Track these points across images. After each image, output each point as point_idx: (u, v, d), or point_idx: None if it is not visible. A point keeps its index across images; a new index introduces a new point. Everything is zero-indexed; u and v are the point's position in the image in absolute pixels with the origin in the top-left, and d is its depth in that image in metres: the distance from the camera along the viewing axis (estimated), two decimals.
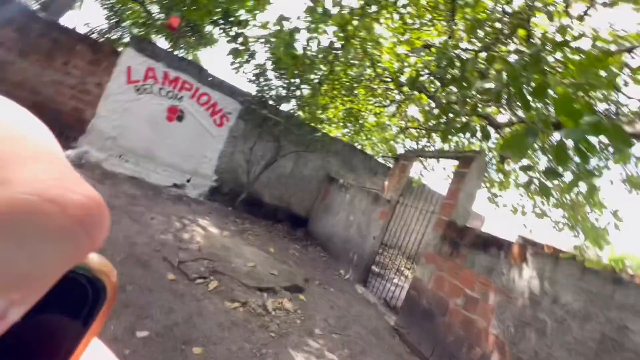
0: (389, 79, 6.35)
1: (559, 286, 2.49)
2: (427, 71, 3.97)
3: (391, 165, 8.64)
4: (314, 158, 7.30)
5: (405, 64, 5.68)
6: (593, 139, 1.36)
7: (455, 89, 2.98)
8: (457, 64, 2.12)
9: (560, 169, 1.57)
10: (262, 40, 5.12)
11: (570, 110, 1.41)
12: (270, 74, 5.95)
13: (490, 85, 1.52)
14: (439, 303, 3.43)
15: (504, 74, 1.56)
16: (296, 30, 3.47)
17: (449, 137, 2.54)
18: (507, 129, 5.70)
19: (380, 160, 8.96)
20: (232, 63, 5.37)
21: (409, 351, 3.40)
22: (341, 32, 4.69)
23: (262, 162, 6.53)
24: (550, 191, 1.45)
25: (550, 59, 2.81)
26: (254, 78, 5.94)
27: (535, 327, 2.52)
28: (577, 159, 1.79)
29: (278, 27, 3.66)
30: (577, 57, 2.96)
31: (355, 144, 9.54)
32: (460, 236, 3.54)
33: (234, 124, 6.43)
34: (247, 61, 5.55)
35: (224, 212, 5.99)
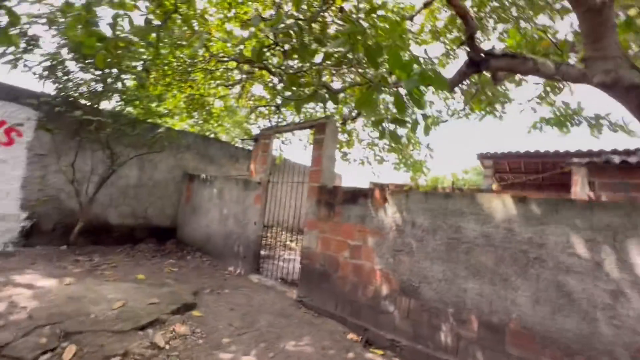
0: (226, 59, 5.99)
1: (413, 213, 3.07)
2: (268, 43, 3.89)
3: (251, 148, 8.51)
4: (163, 158, 6.33)
5: (239, 40, 5.45)
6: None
7: (296, 60, 3.06)
8: (296, 30, 2.13)
9: (402, 117, 1.83)
10: (45, 19, 3.83)
11: (401, 65, 1.63)
12: (73, 64, 4.60)
13: (335, 49, 1.58)
14: (330, 262, 3.71)
15: (343, 38, 1.64)
16: (94, 3, 2.71)
17: (301, 107, 2.62)
18: (342, 95, 6.42)
19: (239, 145, 8.66)
20: (1, 54, 3.83)
21: (316, 315, 3.59)
22: (157, 7, 4.01)
23: (95, 177, 5.19)
24: (399, 137, 1.70)
25: (365, 24, 3.21)
26: (47, 73, 4.46)
27: (406, 251, 3.06)
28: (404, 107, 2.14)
29: (64, 0, 2.76)
30: (382, 25, 3.51)
31: (208, 133, 8.83)
32: (332, 197, 3.85)
33: (33, 137, 4.76)
34: (28, 50, 4.07)
35: (56, 254, 4.54)
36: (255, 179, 5.05)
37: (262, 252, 5.13)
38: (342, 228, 3.66)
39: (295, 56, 2.66)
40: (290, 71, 2.98)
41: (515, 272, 2.44)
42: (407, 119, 1.81)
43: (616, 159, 4.87)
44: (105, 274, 3.98)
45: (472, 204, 2.71)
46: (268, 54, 4.44)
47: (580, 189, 5.51)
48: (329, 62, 2.49)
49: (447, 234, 2.82)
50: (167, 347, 2.50)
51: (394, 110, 2.21)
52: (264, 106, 7.76)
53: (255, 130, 9.16)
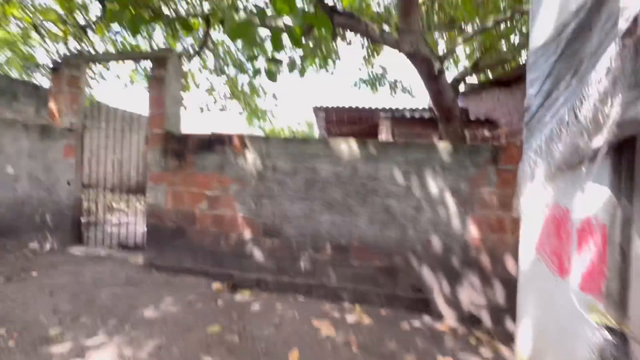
0: None
1: (274, 158, 3.15)
2: None
3: (39, 82, 6.07)
4: None
5: None
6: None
7: None
8: None
9: (277, 57, 1.76)
10: None
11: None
12: None
13: None
14: (184, 216, 3.38)
15: None
16: None
17: (139, 29, 2.05)
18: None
19: (16, 76, 6.00)
20: None
21: (172, 274, 3.30)
22: None
23: None
24: (275, 75, 1.62)
25: None
26: None
27: (267, 195, 3.17)
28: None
29: None
30: None
31: None
32: (182, 145, 3.39)
33: None
34: None
35: None
36: (62, 125, 3.72)
37: (84, 219, 4.06)
38: (196, 179, 3.35)
39: None
40: None
41: (358, 202, 3.00)
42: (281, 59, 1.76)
43: (407, 114, 6.54)
44: None
45: (326, 147, 3.05)
46: None
47: (385, 135, 7.14)
48: None
49: (305, 175, 3.09)
50: None
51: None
52: (54, 23, 5.56)
53: (41, 57, 6.49)
